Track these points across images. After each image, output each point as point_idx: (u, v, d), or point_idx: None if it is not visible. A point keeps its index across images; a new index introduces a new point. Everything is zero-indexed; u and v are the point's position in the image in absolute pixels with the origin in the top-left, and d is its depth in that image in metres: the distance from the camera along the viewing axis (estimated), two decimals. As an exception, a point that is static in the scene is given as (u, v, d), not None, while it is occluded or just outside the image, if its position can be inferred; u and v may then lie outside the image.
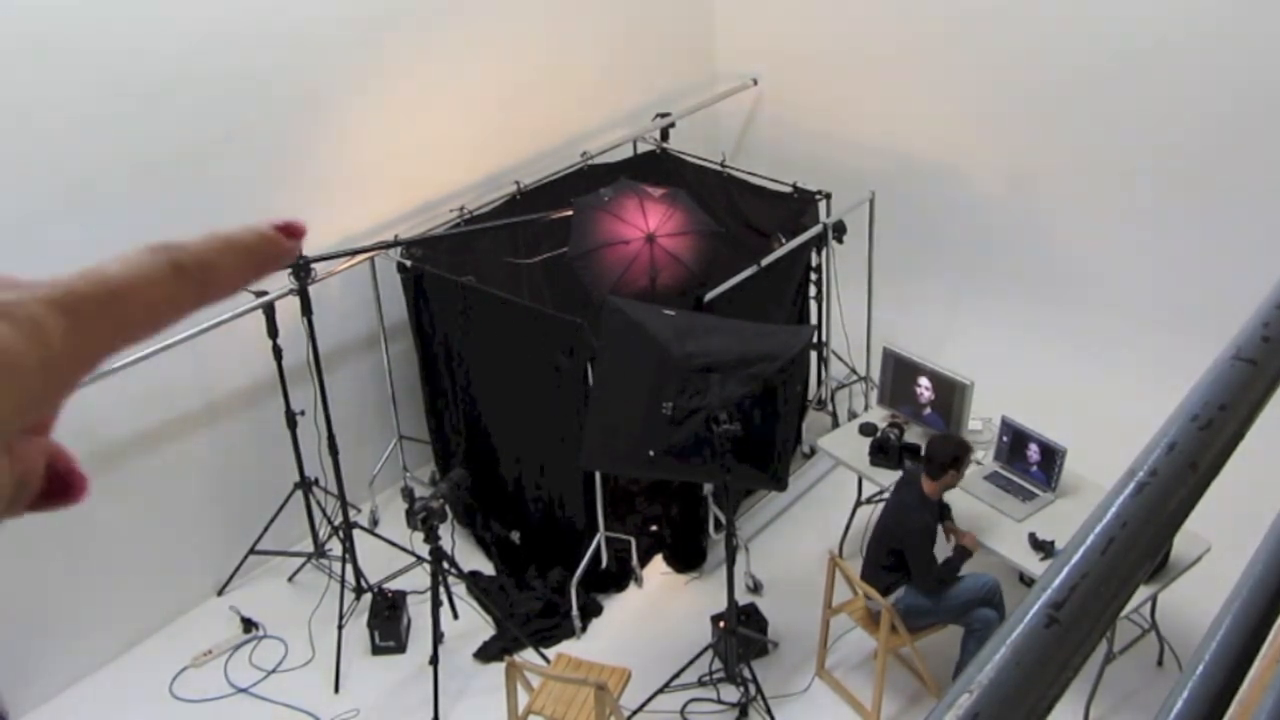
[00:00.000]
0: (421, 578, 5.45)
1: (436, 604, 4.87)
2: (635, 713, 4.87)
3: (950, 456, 4.66)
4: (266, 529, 5.67)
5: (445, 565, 4.94)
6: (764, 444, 4.44)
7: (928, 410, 5.48)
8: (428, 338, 5.86)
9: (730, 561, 4.73)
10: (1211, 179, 6.07)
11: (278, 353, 5.13)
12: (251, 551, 5.72)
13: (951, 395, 5.35)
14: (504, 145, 6.43)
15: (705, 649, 5.07)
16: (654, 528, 5.92)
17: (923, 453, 4.84)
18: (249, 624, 5.52)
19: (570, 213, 5.39)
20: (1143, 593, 4.42)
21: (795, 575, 5.66)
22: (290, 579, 5.81)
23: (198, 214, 5.20)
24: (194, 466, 5.51)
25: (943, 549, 4.81)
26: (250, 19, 5.17)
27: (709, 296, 5.19)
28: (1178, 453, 0.82)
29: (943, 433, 5.01)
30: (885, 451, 5.35)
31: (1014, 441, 5.18)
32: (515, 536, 5.96)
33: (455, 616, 5.49)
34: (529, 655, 5.11)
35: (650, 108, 7.04)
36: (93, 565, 5.19)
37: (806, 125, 7.44)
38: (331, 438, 5.36)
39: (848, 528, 5.76)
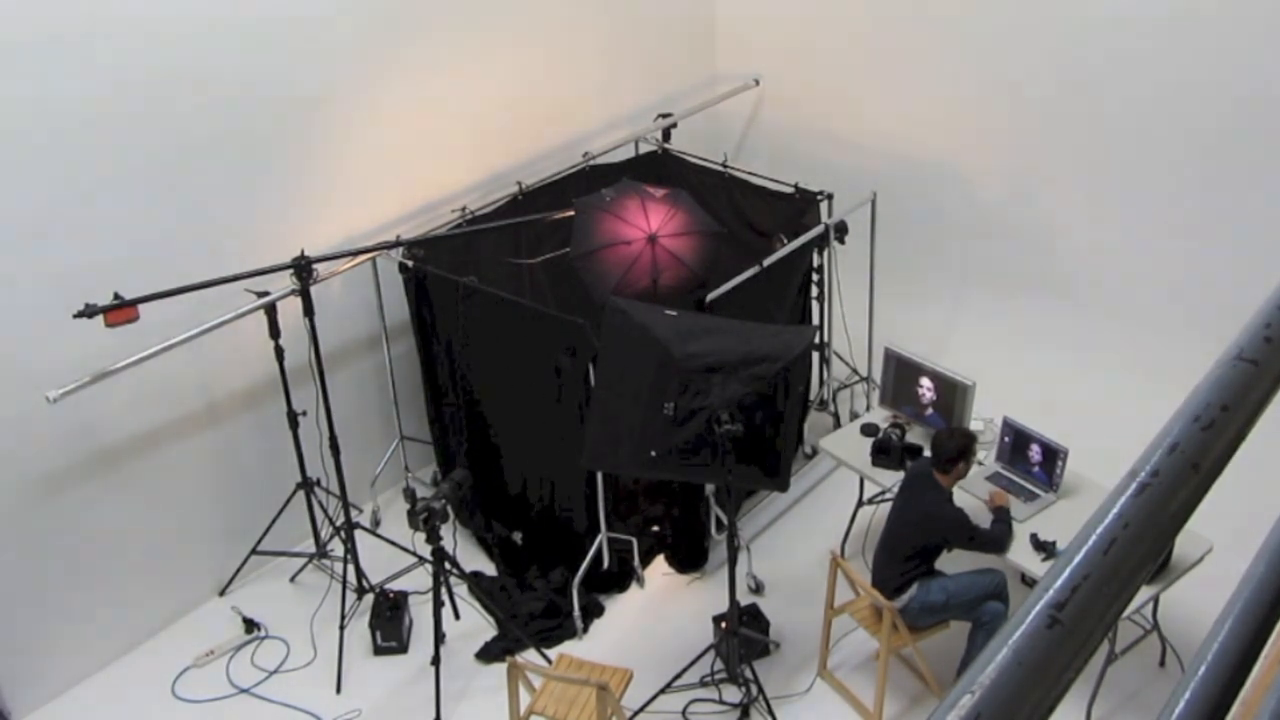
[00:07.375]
0: (423, 578, 5.46)
1: (438, 604, 4.87)
2: (637, 713, 4.87)
3: (957, 450, 4.67)
4: (268, 529, 5.67)
5: (447, 566, 4.94)
6: (766, 444, 4.44)
7: (929, 411, 5.47)
8: (429, 338, 5.86)
9: (732, 562, 4.73)
10: (1212, 181, 6.06)
11: (279, 353, 5.13)
12: (253, 552, 5.72)
13: (953, 396, 5.35)
14: (506, 145, 6.43)
15: (707, 649, 5.07)
16: (656, 528, 5.92)
17: (929, 450, 4.84)
18: (251, 624, 5.52)
19: (572, 213, 5.38)
20: (1145, 593, 4.41)
21: (797, 576, 5.66)
22: (292, 579, 5.81)
23: (200, 214, 5.20)
24: (196, 467, 5.52)
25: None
26: (253, 19, 5.17)
27: (711, 297, 5.18)
28: (1180, 453, 0.82)
29: (947, 428, 5.00)
30: (887, 452, 5.35)
31: (1016, 442, 5.18)
32: (517, 537, 5.96)
33: (457, 617, 5.49)
34: (531, 656, 5.11)
35: (652, 108, 7.04)
36: (94, 565, 5.19)
37: (808, 125, 7.44)
38: (333, 438, 5.36)
39: (849, 528, 5.75)
